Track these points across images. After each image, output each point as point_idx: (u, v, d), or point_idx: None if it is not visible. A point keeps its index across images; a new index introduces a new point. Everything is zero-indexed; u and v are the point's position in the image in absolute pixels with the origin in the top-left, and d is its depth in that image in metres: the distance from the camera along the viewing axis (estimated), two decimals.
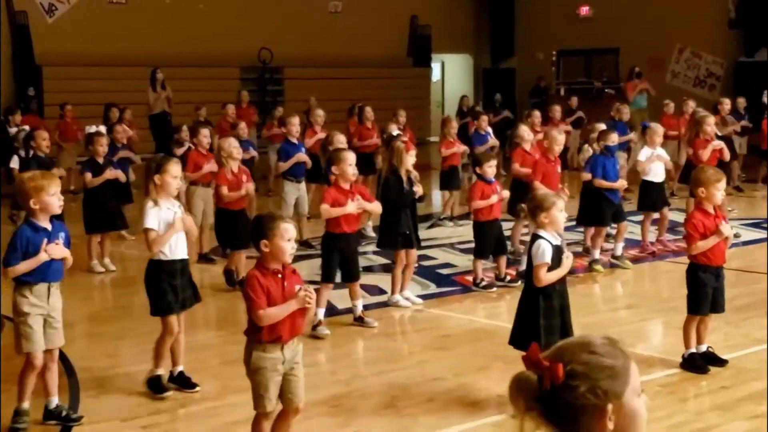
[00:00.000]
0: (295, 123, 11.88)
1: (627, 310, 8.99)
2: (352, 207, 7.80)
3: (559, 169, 10.16)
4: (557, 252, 6.00)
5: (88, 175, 10.13)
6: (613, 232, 10.71)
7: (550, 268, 5.94)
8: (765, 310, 8.15)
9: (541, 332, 5.94)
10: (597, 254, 10.37)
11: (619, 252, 10.46)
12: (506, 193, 9.52)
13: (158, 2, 22.80)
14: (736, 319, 8.22)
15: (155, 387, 6.34)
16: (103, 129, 11.48)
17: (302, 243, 11.29)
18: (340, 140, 10.26)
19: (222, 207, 9.30)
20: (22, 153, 11.04)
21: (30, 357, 5.71)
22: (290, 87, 24.19)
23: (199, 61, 22.54)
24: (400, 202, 8.60)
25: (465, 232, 12.80)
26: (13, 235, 5.69)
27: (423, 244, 9.84)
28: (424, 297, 9.09)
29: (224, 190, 9.20)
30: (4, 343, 7.21)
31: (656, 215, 11.29)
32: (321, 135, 12.36)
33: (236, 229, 9.20)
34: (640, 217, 11.44)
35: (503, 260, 9.52)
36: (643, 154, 10.96)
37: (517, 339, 6.15)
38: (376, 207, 8.21)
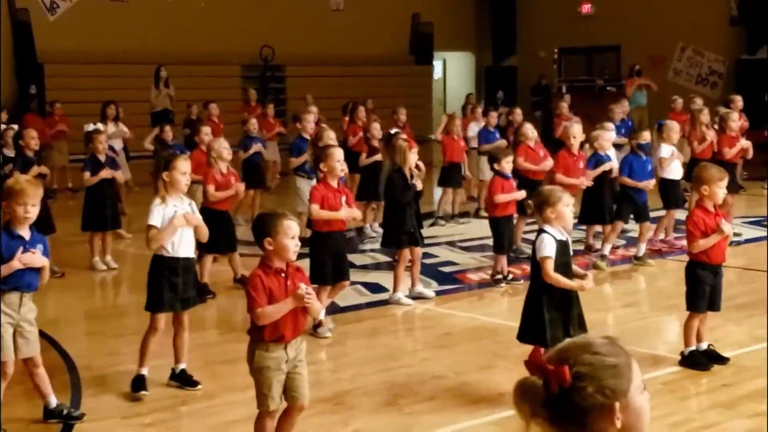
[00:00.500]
0: (309, 120, 11.89)
1: (629, 308, 8.99)
2: (343, 213, 7.74)
3: (581, 165, 10.15)
4: (563, 247, 6.00)
5: (87, 174, 10.13)
6: (609, 229, 10.71)
7: (556, 263, 5.94)
8: (766, 309, 8.15)
9: (546, 326, 5.96)
10: (607, 250, 10.38)
11: (641, 253, 10.46)
12: (522, 193, 9.49)
13: (160, 0, 22.81)
14: (738, 317, 8.22)
15: (134, 385, 6.29)
16: (101, 126, 11.46)
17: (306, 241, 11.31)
18: (330, 137, 10.29)
19: (207, 206, 9.27)
20: (7, 152, 11.00)
21: (2, 367, 5.58)
22: (292, 85, 24.20)
23: (201, 59, 22.55)
24: (404, 199, 8.62)
25: (466, 229, 12.82)
26: None
27: (425, 242, 9.83)
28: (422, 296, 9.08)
29: (211, 189, 9.16)
30: None
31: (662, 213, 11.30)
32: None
33: (216, 230, 9.19)
34: (655, 214, 11.41)
35: (504, 258, 9.56)
36: (665, 151, 10.92)
37: (524, 334, 6.17)
38: (358, 215, 8.23)
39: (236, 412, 6.03)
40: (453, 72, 29.99)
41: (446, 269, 10.37)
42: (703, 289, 6.76)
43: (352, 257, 9.75)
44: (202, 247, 9.34)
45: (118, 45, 21.56)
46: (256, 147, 13.55)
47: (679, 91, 18.58)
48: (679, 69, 24.99)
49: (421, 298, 8.94)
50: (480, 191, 13.83)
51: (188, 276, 6.39)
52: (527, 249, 10.73)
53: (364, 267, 10.39)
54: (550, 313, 5.99)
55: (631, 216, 10.59)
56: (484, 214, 12.98)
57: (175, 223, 6.15)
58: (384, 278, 9.64)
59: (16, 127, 12.20)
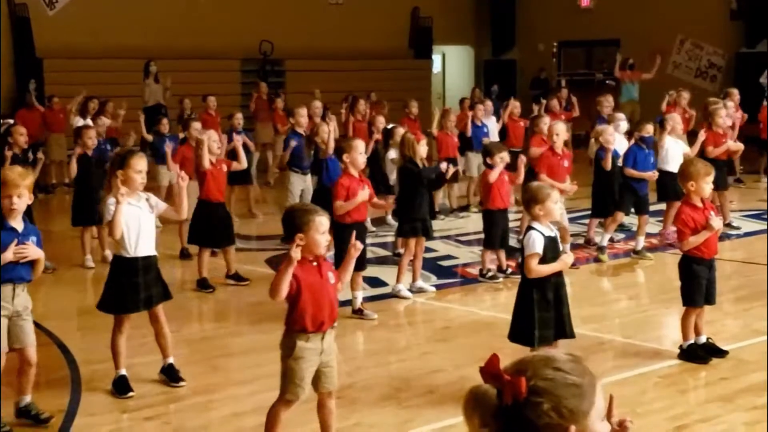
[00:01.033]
0: (303, 114, 11.89)
1: (629, 301, 9.01)
2: (364, 194, 7.90)
3: (566, 163, 10.07)
4: (552, 243, 6.01)
5: (73, 168, 10.12)
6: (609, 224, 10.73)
7: (544, 260, 5.95)
8: (764, 302, 8.16)
9: (535, 325, 5.96)
10: (606, 241, 10.39)
11: (640, 246, 10.46)
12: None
13: None
14: (736, 311, 8.25)
15: (118, 388, 6.27)
16: (90, 122, 11.47)
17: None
18: (325, 131, 10.36)
19: (202, 199, 9.29)
20: None
21: None
22: (291, 79, 24.17)
23: (200, 53, 22.53)
24: (418, 189, 8.78)
25: (465, 224, 12.84)
26: None
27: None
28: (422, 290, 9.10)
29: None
30: None
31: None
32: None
33: (212, 224, 9.22)
34: (655, 207, 11.42)
35: (503, 252, 9.57)
36: (669, 142, 10.90)
37: (514, 333, 6.17)
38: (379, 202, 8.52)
39: (236, 405, 6.05)
40: (452, 66, 29.97)
41: (445, 263, 10.39)
42: (699, 283, 6.77)
43: None
44: (198, 242, 9.37)
45: (118, 40, 21.54)
46: (237, 139, 13.51)
47: (679, 85, 18.56)
48: (678, 62, 24.98)
49: (421, 292, 8.96)
50: (469, 187, 13.85)
51: (149, 275, 6.27)
52: (512, 240, 10.76)
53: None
54: (540, 312, 5.99)
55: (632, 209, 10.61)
56: (474, 209, 13.03)
57: (5, 256, 5.53)
58: (384, 272, 9.65)
59: (11, 121, 12.20)
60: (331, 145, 10.06)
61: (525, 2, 27.71)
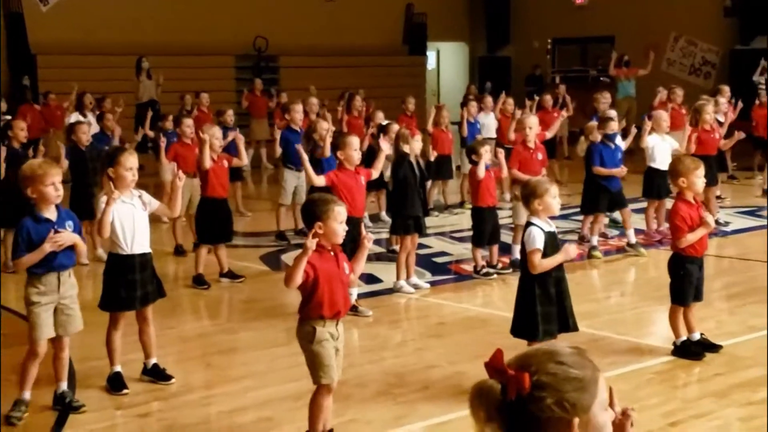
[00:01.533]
0: (298, 110, 11.87)
1: (623, 297, 9.03)
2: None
3: (540, 156, 9.91)
4: (551, 238, 6.02)
5: (65, 163, 10.11)
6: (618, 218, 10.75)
7: (544, 255, 5.96)
8: (759, 298, 8.19)
9: (538, 320, 5.98)
10: (595, 241, 10.42)
11: (633, 239, 10.48)
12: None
13: None
14: (730, 307, 8.26)
15: (113, 384, 6.28)
16: (81, 117, 11.45)
17: (278, 235, 11.37)
18: (323, 127, 10.33)
19: (206, 197, 9.28)
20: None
21: (33, 344, 5.75)
22: (286, 75, 24.17)
23: (194, 49, 22.51)
24: (411, 186, 8.80)
25: (459, 220, 12.85)
26: (17, 228, 5.70)
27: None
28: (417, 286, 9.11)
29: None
30: (4, 333, 7.24)
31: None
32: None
33: (213, 220, 9.21)
34: (643, 205, 11.45)
35: (495, 248, 9.60)
36: (652, 140, 10.92)
37: (517, 328, 6.19)
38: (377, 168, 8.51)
39: (231, 402, 6.06)
40: (447, 62, 29.97)
41: (439, 260, 10.40)
42: (690, 281, 6.81)
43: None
44: (201, 240, 9.37)
45: (112, 36, 21.51)
46: (240, 137, 13.51)
47: (673, 82, 18.58)
48: (672, 59, 24.99)
49: (416, 288, 8.98)
50: (462, 184, 13.85)
51: (145, 272, 6.29)
52: (507, 237, 10.78)
53: None
54: (542, 306, 6.01)
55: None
56: (468, 206, 13.02)
57: (45, 247, 5.62)
58: (378, 269, 9.67)
59: (9, 117, 12.19)
60: (329, 143, 10.06)
61: None
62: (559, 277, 6.13)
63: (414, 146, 8.97)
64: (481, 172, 9.12)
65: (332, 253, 5.07)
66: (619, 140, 10.78)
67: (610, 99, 14.84)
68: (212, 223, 9.22)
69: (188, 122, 11.06)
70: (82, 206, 10.10)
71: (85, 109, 15.15)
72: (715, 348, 6.89)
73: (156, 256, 6.67)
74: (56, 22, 21.35)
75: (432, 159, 11.38)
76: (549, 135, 12.01)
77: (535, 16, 26.85)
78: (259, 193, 15.54)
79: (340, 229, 5.03)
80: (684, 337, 6.86)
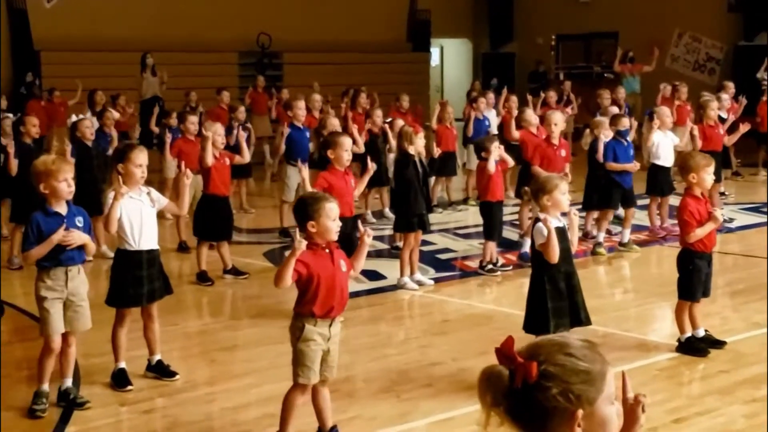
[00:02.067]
0: (301, 107, 11.85)
1: (627, 294, 9.02)
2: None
3: (563, 153, 10.06)
4: (561, 234, 6.02)
5: (71, 160, 10.10)
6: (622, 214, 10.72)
7: None
8: (763, 294, 8.17)
9: (549, 315, 6.00)
10: (602, 237, 10.40)
11: (626, 239, 10.47)
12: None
13: None
14: (734, 304, 8.25)
15: (117, 381, 6.28)
16: (82, 115, 11.44)
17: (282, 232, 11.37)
18: (334, 124, 10.30)
19: (208, 193, 9.28)
20: (5, 140, 10.97)
21: (47, 340, 5.77)
22: (289, 72, 24.14)
23: (198, 46, 22.48)
24: (414, 183, 8.77)
25: (463, 217, 12.84)
26: (27, 222, 5.72)
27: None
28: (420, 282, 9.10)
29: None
30: (4, 329, 7.25)
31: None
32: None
33: (215, 217, 9.21)
34: (646, 201, 11.43)
35: (494, 244, 9.59)
36: (657, 137, 10.91)
37: (529, 324, 6.19)
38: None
39: (235, 398, 6.06)
40: (450, 59, 29.94)
41: (443, 256, 10.39)
42: (699, 277, 6.79)
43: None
44: (200, 235, 9.38)
45: (115, 32, 21.49)
46: (242, 135, 13.51)
47: (677, 78, 18.55)
48: (676, 55, 24.95)
49: (420, 285, 8.97)
50: (468, 180, 13.84)
51: (153, 268, 6.30)
52: (512, 234, 10.78)
53: None
54: (553, 302, 6.02)
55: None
56: (472, 203, 13.01)
57: (54, 239, 5.63)
58: (381, 266, 9.66)
59: (11, 115, 12.19)
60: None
61: None
62: (569, 272, 6.15)
63: (417, 143, 8.95)
64: (491, 167, 9.12)
65: (327, 251, 5.05)
66: None
67: (619, 95, 14.89)
68: (212, 220, 9.22)
69: (193, 119, 11.06)
70: (87, 203, 10.10)
71: (96, 106, 15.13)
72: (719, 344, 6.89)
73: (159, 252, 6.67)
74: (60, 19, 21.32)
75: (436, 156, 11.34)
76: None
77: (538, 12, 26.80)
78: (263, 189, 15.54)
79: (333, 226, 5.02)
80: (689, 334, 6.85)
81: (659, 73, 20.78)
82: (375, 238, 10.80)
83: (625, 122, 10.61)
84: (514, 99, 14.72)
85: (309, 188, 7.90)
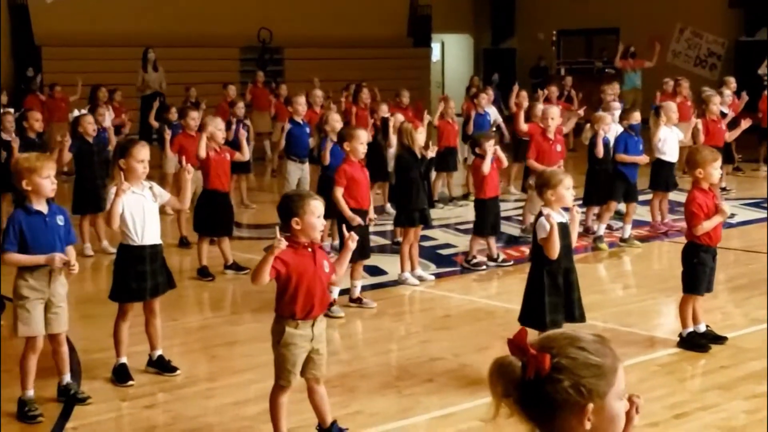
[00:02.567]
0: (301, 102, 11.82)
1: (628, 289, 9.01)
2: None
3: (559, 148, 10.07)
4: (563, 230, 6.03)
5: (66, 156, 10.11)
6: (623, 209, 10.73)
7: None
8: (764, 290, 8.17)
9: (545, 309, 6.01)
10: (602, 230, 10.39)
11: (627, 234, 10.47)
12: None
13: None
14: (735, 299, 8.25)
15: (119, 376, 6.27)
16: (84, 111, 11.46)
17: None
18: (335, 119, 10.29)
19: (208, 189, 9.28)
20: (5, 136, 10.97)
21: (29, 341, 5.72)
22: (290, 67, 24.15)
23: (199, 41, 22.49)
24: (415, 178, 8.78)
25: (464, 212, 12.82)
26: (8, 219, 5.68)
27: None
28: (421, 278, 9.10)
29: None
30: (4, 324, 7.24)
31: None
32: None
33: (214, 213, 9.21)
34: (647, 197, 11.43)
35: (493, 240, 9.62)
36: (663, 132, 10.90)
37: (525, 316, 6.20)
38: None
39: (236, 393, 6.06)
40: (451, 54, 29.93)
41: (444, 252, 10.38)
42: (704, 271, 6.78)
43: None
44: (200, 230, 9.38)
45: (116, 27, 21.49)
46: (242, 132, 13.51)
47: (678, 73, 18.53)
48: (677, 51, 24.94)
49: (421, 280, 8.97)
50: (468, 176, 13.82)
51: (156, 263, 6.29)
52: (513, 229, 10.78)
53: None
54: (550, 296, 6.04)
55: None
56: (473, 198, 13.00)
57: (42, 260, 5.56)
58: (383, 261, 9.66)
59: (12, 110, 12.19)
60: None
61: None
62: (568, 268, 6.16)
63: (418, 139, 8.95)
64: (486, 167, 9.11)
65: (309, 250, 4.99)
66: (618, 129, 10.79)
67: (618, 90, 14.84)
68: (212, 216, 9.22)
69: (194, 115, 11.04)
70: (88, 198, 10.11)
71: (99, 102, 15.11)
72: (720, 339, 6.89)
73: None
74: (61, 14, 21.33)
75: (428, 156, 11.32)
76: (565, 130, 11.97)
77: (539, 7, 26.79)
78: (263, 185, 15.53)
79: (317, 224, 4.97)
80: (690, 329, 6.85)
81: (660, 68, 20.76)
82: (377, 233, 10.87)
83: (637, 116, 10.64)
84: (524, 94, 14.70)
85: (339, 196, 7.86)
